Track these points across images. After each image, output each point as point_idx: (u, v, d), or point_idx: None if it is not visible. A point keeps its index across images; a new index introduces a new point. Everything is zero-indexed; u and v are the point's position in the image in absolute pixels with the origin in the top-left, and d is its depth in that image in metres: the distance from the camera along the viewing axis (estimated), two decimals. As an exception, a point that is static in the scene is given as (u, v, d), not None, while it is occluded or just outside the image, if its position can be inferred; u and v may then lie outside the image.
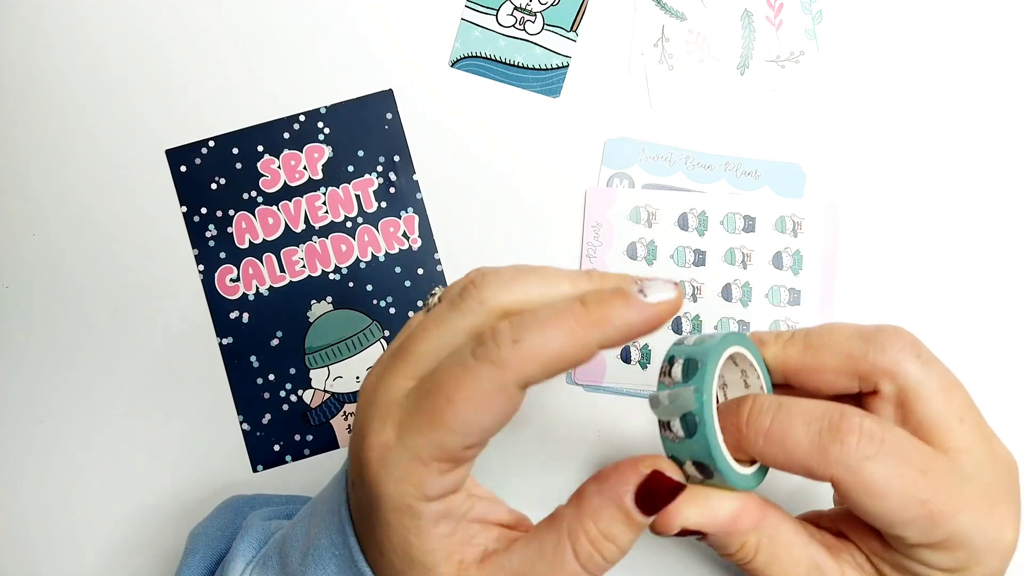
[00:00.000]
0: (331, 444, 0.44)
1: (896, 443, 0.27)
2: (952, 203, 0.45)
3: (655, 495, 0.27)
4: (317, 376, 0.45)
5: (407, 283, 0.45)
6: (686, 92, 0.46)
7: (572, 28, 0.46)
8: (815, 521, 0.33)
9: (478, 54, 0.46)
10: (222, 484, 0.44)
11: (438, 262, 0.45)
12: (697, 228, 0.45)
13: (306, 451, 0.44)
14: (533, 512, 0.31)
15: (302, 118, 0.46)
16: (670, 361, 0.29)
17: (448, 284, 0.45)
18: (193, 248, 0.45)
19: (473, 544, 0.28)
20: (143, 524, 0.44)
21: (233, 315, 0.45)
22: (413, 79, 0.46)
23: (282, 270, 0.45)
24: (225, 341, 0.45)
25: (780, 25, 0.46)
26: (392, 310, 0.45)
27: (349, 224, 0.45)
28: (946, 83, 0.45)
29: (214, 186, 0.45)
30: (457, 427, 0.25)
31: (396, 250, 0.45)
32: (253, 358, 0.45)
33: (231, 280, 0.45)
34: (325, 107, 0.46)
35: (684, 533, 0.29)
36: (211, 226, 0.45)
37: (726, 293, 0.44)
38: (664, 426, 0.29)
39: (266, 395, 0.45)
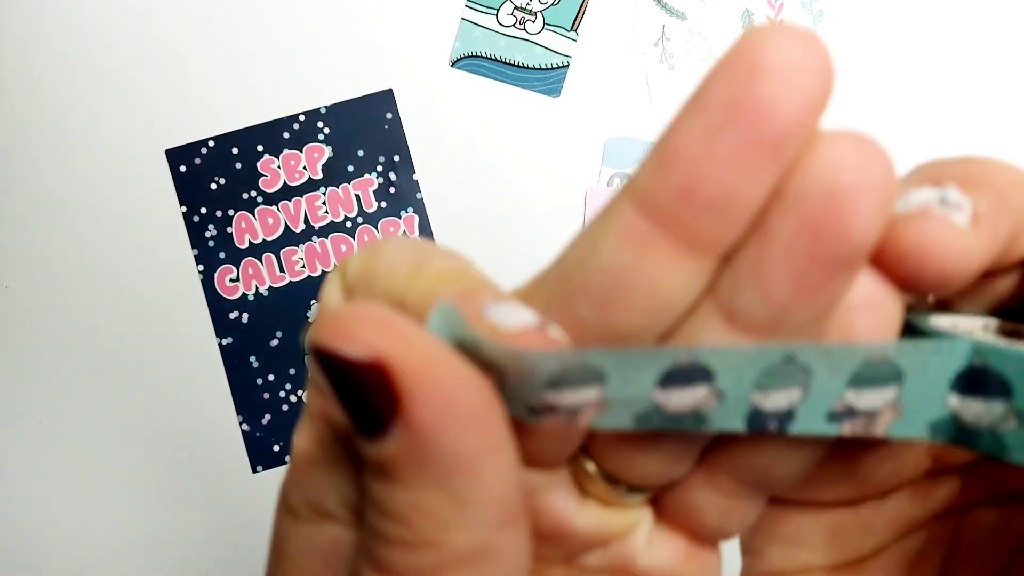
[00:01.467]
0: (331, 444, 0.44)
1: None
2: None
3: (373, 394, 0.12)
4: (317, 376, 0.45)
5: (407, 283, 0.45)
6: (687, 91, 0.45)
7: (572, 28, 0.46)
8: None
9: (478, 54, 0.46)
10: (222, 484, 0.44)
11: (438, 262, 0.45)
12: (697, 228, 0.44)
13: (306, 451, 0.44)
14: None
15: (302, 118, 0.46)
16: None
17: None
18: (193, 248, 0.45)
19: None
20: (142, 524, 0.44)
21: (233, 315, 0.45)
22: (413, 79, 0.46)
23: (282, 270, 0.45)
24: (225, 341, 0.45)
25: (781, 23, 0.45)
26: (392, 310, 0.45)
27: (349, 224, 0.45)
28: (947, 83, 0.45)
29: (214, 186, 0.45)
30: None
31: (396, 250, 0.45)
32: (253, 358, 0.45)
33: (231, 280, 0.45)
34: (325, 107, 0.46)
35: None
36: (211, 226, 0.45)
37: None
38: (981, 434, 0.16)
39: (266, 395, 0.45)
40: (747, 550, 0.20)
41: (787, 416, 0.14)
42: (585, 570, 0.17)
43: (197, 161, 0.46)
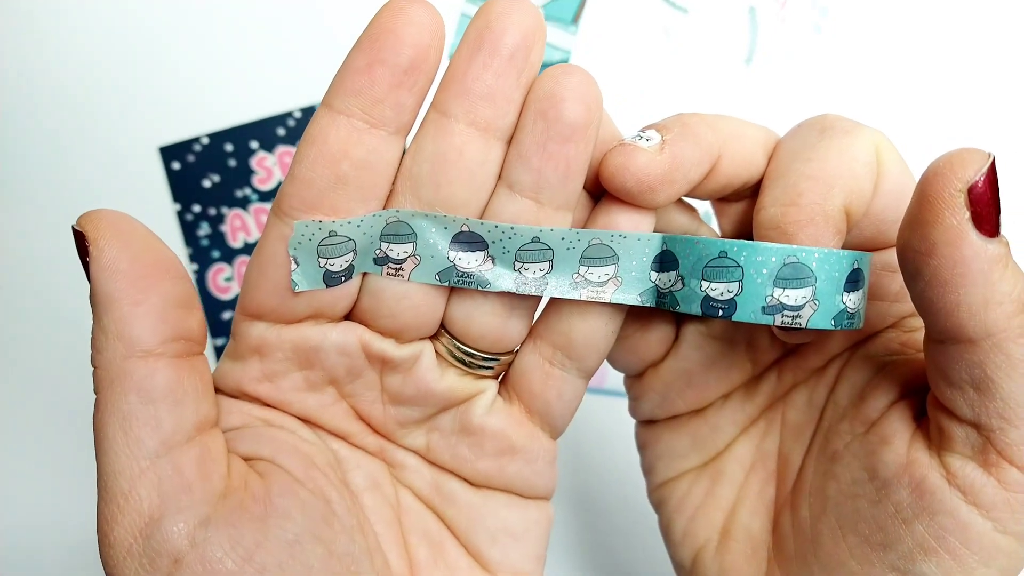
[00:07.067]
0: (327, 447, 0.44)
1: None
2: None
3: None
4: (313, 378, 0.44)
5: (405, 283, 0.44)
6: (690, 87, 0.44)
7: (573, 21, 0.45)
8: None
9: (477, 48, 0.45)
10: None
11: (436, 261, 0.44)
12: (701, 226, 0.44)
13: (301, 454, 0.44)
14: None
15: (298, 114, 0.45)
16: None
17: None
18: (186, 247, 0.44)
19: None
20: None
21: (227, 316, 0.44)
22: (411, 74, 0.45)
23: (277, 269, 0.44)
24: (219, 342, 0.44)
25: (786, 19, 0.45)
26: (389, 310, 0.44)
27: (345, 222, 0.44)
28: (954, 77, 0.44)
29: (207, 184, 0.45)
30: None
31: (393, 249, 0.44)
32: (247, 359, 0.44)
33: (225, 279, 0.44)
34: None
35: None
36: (204, 224, 0.44)
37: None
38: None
39: (261, 397, 0.44)
40: (645, 471, 0.27)
41: (543, 282, 0.21)
42: (440, 429, 0.23)
43: (191, 158, 0.45)
